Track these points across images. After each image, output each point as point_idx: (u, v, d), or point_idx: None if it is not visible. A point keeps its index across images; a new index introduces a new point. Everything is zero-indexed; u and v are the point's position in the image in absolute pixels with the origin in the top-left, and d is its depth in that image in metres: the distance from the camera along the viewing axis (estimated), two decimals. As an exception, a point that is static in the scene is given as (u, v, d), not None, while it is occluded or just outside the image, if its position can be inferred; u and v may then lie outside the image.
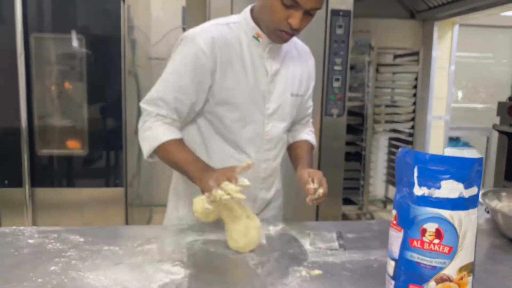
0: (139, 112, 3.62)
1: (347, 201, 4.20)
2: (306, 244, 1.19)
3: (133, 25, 3.09)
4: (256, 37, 1.26)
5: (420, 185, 0.83)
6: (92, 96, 2.93)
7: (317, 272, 1.02)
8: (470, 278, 0.85)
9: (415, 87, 4.27)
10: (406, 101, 4.31)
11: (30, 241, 1.14)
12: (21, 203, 2.87)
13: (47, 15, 2.83)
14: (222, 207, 1.11)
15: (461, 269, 0.83)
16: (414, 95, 4.26)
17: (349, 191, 4.16)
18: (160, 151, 1.27)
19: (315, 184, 1.22)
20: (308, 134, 1.52)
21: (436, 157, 0.82)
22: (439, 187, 0.81)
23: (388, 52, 4.53)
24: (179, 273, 0.99)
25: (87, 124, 2.94)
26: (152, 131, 1.27)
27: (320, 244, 1.18)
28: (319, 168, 3.31)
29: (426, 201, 0.82)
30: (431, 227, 0.82)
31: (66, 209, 2.95)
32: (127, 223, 3.02)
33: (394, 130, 4.41)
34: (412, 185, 0.84)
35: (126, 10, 2.87)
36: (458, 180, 0.80)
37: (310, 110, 1.54)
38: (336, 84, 3.17)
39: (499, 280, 1.03)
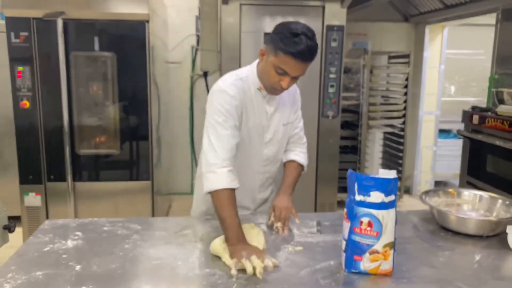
0: (159, 113, 4.12)
1: (346, 189, 4.70)
2: (294, 230, 1.71)
3: (152, 34, 3.51)
4: (259, 89, 1.75)
5: (359, 194, 1.33)
6: (122, 100, 3.45)
7: (299, 248, 1.54)
8: (391, 251, 1.35)
9: (406, 86, 4.71)
10: (399, 99, 4.75)
11: (105, 228, 1.67)
12: (65, 195, 3.43)
13: (83, 37, 3.34)
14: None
15: (385, 246, 1.34)
16: (406, 93, 4.69)
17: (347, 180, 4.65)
18: (214, 196, 1.58)
19: (279, 224, 1.68)
20: (297, 155, 1.95)
21: (368, 177, 1.32)
22: (369, 195, 1.31)
23: (382, 54, 4.97)
24: (207, 249, 1.51)
25: (118, 126, 3.47)
26: (215, 175, 1.59)
27: (304, 229, 1.71)
28: (317, 160, 3.81)
29: (362, 204, 1.33)
30: (365, 220, 1.33)
31: (102, 200, 3.50)
32: (153, 210, 3.57)
33: (388, 125, 4.86)
34: (354, 193, 1.34)
35: (149, 26, 3.36)
36: (381, 191, 1.31)
37: (297, 130, 1.96)
38: (331, 90, 3.64)
39: (421, 254, 1.53)
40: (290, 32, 1.56)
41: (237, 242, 1.46)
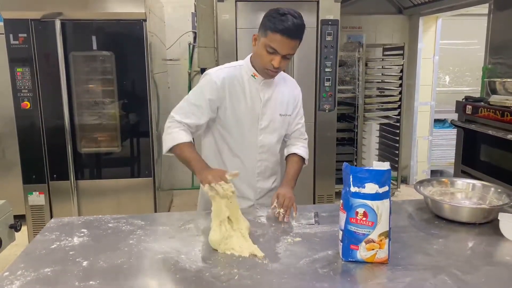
0: (159, 110, 4.18)
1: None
2: (293, 221, 1.76)
3: (150, 32, 3.56)
4: (253, 76, 1.86)
5: (353, 185, 1.38)
6: (122, 98, 3.50)
7: (298, 239, 1.59)
8: (386, 240, 1.40)
9: (401, 78, 4.75)
10: (394, 90, 4.80)
11: (110, 224, 1.73)
12: (68, 193, 3.48)
13: (81, 37, 3.38)
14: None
15: (380, 235, 1.39)
16: (401, 85, 4.74)
17: (344, 172, 4.71)
18: (176, 149, 1.81)
19: (281, 210, 1.75)
20: (298, 149, 2.03)
21: (362, 169, 1.37)
22: (364, 187, 1.37)
23: (377, 46, 5.01)
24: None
25: (119, 123, 3.52)
26: (172, 135, 1.82)
27: (302, 220, 1.76)
28: (315, 153, 3.86)
29: (357, 195, 1.38)
30: (361, 210, 1.38)
31: (104, 197, 3.55)
32: (155, 206, 3.63)
33: (384, 117, 4.92)
34: (349, 185, 1.39)
35: (146, 25, 3.39)
36: (375, 183, 1.36)
37: (299, 126, 2.05)
38: (327, 84, 3.69)
39: (416, 242, 1.58)
40: (277, 12, 1.71)
41: (202, 170, 1.69)
